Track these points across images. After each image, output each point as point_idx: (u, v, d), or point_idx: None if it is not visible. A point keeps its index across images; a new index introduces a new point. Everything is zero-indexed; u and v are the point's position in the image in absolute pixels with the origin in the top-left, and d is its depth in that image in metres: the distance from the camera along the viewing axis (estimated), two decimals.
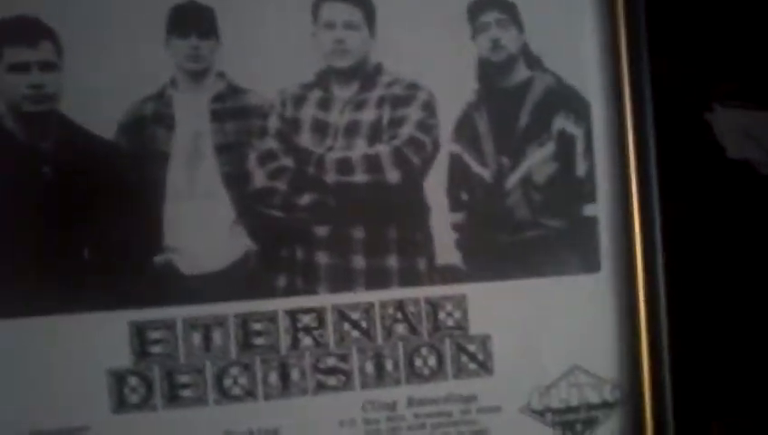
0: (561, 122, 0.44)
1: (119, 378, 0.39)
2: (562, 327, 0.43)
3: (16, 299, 0.38)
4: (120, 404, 0.39)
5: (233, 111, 0.41)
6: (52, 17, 0.39)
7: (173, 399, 0.40)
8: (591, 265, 0.43)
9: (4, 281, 0.38)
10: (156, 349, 0.40)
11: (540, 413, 0.42)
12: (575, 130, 0.44)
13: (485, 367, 0.42)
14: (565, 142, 0.43)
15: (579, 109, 0.44)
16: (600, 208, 0.43)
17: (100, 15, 0.39)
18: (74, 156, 0.40)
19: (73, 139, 0.40)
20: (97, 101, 0.40)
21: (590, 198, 0.43)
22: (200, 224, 0.40)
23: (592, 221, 0.43)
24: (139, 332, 0.40)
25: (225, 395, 0.40)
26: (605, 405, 0.43)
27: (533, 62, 0.43)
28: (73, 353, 0.39)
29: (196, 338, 0.40)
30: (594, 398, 0.43)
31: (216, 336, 0.40)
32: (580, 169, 0.43)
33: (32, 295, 0.39)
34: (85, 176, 0.40)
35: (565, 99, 0.43)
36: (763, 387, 0.48)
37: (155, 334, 0.40)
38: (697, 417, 0.45)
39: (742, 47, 0.50)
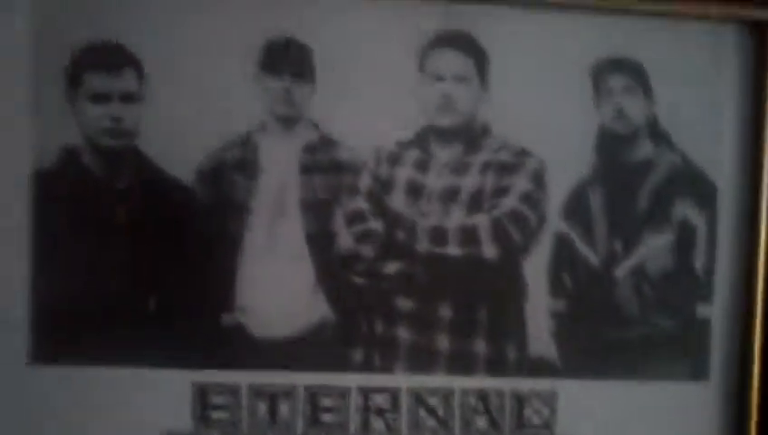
0: (684, 209, 0.39)
1: None
2: None
3: (76, 346, 0.36)
4: None
5: (323, 164, 0.37)
6: (137, 44, 0.36)
7: None
8: (700, 373, 0.39)
9: (66, 326, 0.35)
10: (218, 414, 0.37)
11: None
12: (698, 220, 0.39)
13: None
14: (686, 232, 0.39)
15: (705, 194, 0.39)
16: (716, 310, 0.39)
17: (187, 44, 0.36)
18: (148, 198, 0.36)
19: (149, 179, 0.36)
20: (177, 140, 0.36)
21: (707, 297, 0.39)
22: (277, 285, 0.37)
23: (706, 324, 0.39)
24: (202, 394, 0.37)
25: None
26: None
27: (660, 137, 0.39)
28: (132, 409, 0.36)
29: (262, 408, 0.37)
30: None
31: (283, 408, 0.37)
32: (699, 264, 0.39)
33: (93, 343, 0.36)
34: (158, 220, 0.36)
35: (691, 182, 0.39)
36: None
37: (218, 399, 0.37)
38: None
39: None
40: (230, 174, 0.37)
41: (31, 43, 0.36)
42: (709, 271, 0.39)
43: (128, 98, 0.36)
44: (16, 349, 0.36)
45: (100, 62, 0.36)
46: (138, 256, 0.37)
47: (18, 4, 0.35)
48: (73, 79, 0.36)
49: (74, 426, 0.36)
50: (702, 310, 0.39)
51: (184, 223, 0.37)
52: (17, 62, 0.35)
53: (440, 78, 0.38)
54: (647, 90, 0.39)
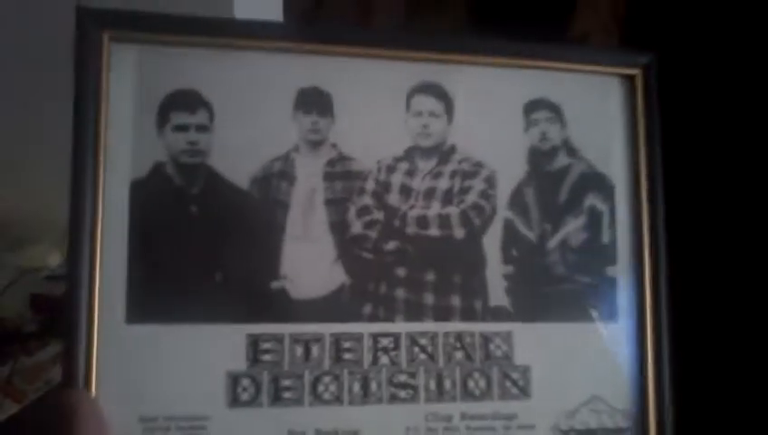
0: (592, 200, 0.51)
1: (235, 379, 0.45)
2: (587, 364, 0.49)
3: (161, 309, 0.45)
4: (234, 400, 0.45)
5: (341, 173, 0.48)
6: (209, 92, 0.47)
7: (277, 399, 0.45)
8: (611, 316, 0.50)
9: (154, 294, 0.45)
10: (266, 357, 0.46)
11: (565, 433, 0.49)
12: (602, 207, 0.51)
13: (525, 392, 0.48)
14: (594, 216, 0.51)
15: (606, 190, 0.51)
16: (620, 270, 0.51)
17: (244, 93, 0.47)
18: (216, 199, 0.46)
19: (217, 186, 0.46)
20: (237, 159, 0.47)
21: (612, 261, 0.51)
22: (309, 260, 0.47)
23: (613, 280, 0.51)
24: (254, 342, 0.46)
25: (318, 398, 0.46)
26: (618, 430, 0.49)
27: (572, 151, 0.51)
28: (201, 356, 0.45)
29: (299, 350, 0.46)
30: (609, 423, 0.49)
31: (315, 350, 0.46)
32: (605, 238, 0.51)
33: (173, 307, 0.45)
34: (223, 215, 0.46)
35: (595, 182, 0.51)
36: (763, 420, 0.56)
37: (266, 345, 0.46)
38: None
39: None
40: (275, 181, 0.48)
41: (134, 89, 0.46)
42: (613, 242, 0.51)
43: (201, 128, 0.47)
44: (118, 312, 0.44)
45: (182, 104, 0.47)
46: (207, 242, 0.46)
47: (125, 63, 0.47)
48: (162, 115, 0.46)
49: (158, 371, 0.44)
50: (610, 270, 0.51)
51: (242, 217, 0.47)
52: (124, 104, 0.46)
53: (420, 114, 0.50)
54: (562, 120, 0.52)
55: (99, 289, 0.44)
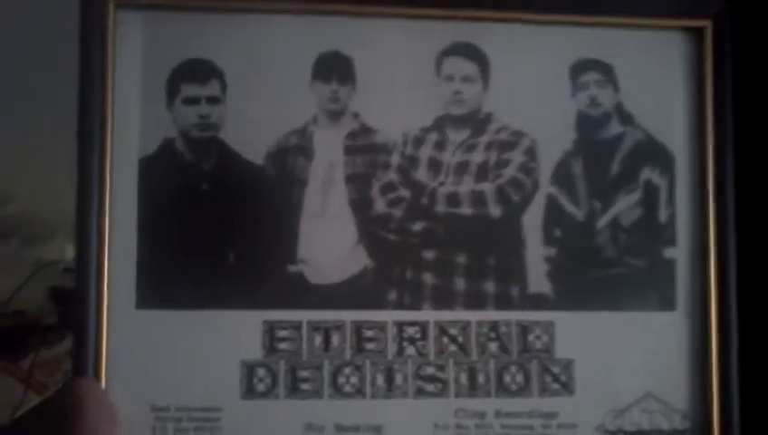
0: (648, 173, 0.45)
1: (250, 368, 0.43)
2: (639, 358, 0.44)
3: (172, 294, 0.42)
4: (249, 391, 0.42)
5: (363, 147, 0.44)
6: (221, 61, 0.44)
7: (294, 390, 0.43)
8: (668, 304, 0.45)
9: (165, 277, 0.42)
10: (283, 346, 0.43)
11: (613, 434, 0.44)
12: (660, 181, 0.45)
13: (567, 388, 0.44)
14: (651, 191, 0.45)
15: (664, 162, 0.45)
16: (679, 252, 0.45)
17: (258, 60, 0.44)
18: (229, 176, 0.43)
19: (229, 162, 0.43)
20: (251, 132, 0.44)
21: (671, 242, 0.45)
22: (328, 241, 0.44)
23: (671, 263, 0.45)
24: (270, 330, 0.43)
25: (338, 391, 0.43)
26: (674, 432, 0.44)
27: (626, 118, 0.46)
28: (214, 344, 0.42)
29: (318, 339, 0.43)
30: (665, 425, 0.44)
31: (335, 339, 0.43)
32: (663, 216, 0.45)
33: (185, 292, 0.42)
34: (237, 193, 0.43)
35: (652, 152, 0.45)
36: None
37: (283, 333, 0.43)
38: None
39: None
40: (291, 156, 0.44)
41: (141, 60, 0.43)
42: (672, 221, 0.45)
43: (213, 101, 0.44)
44: (128, 297, 0.42)
45: (192, 74, 0.44)
46: (220, 221, 0.43)
47: (133, 30, 0.44)
48: (171, 87, 0.43)
49: (170, 359, 0.42)
50: (668, 252, 0.45)
51: (257, 194, 0.44)
52: (131, 76, 0.43)
53: (451, 78, 0.45)
54: (614, 82, 0.46)
55: (108, 273, 0.42)
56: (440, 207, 0.44)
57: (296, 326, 0.43)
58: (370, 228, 0.44)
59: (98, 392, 0.40)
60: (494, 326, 0.44)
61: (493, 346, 0.44)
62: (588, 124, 0.45)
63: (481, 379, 0.44)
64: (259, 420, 0.42)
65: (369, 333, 0.43)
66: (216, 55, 0.44)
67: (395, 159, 0.44)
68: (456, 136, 0.45)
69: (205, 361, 0.42)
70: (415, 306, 0.44)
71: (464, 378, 0.44)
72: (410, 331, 0.44)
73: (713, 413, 0.43)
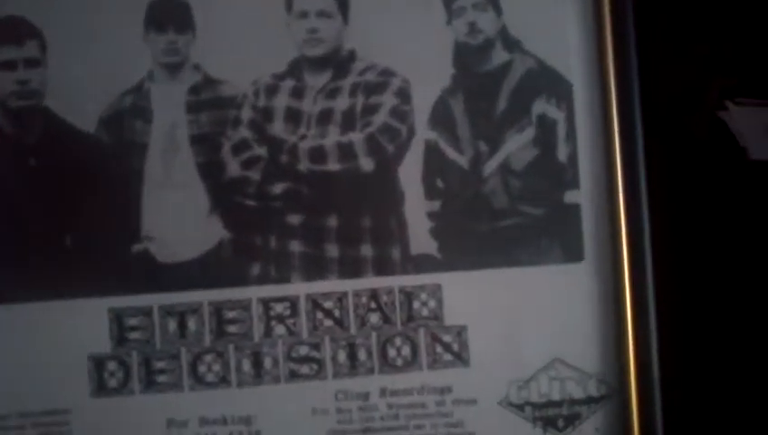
0: (542, 106, 0.39)
1: (98, 363, 0.38)
2: (543, 319, 0.38)
3: (4, 286, 0.38)
4: (100, 388, 0.38)
5: (207, 102, 0.39)
6: (37, 17, 0.38)
7: (150, 384, 0.38)
8: (574, 255, 0.39)
9: None
10: (134, 335, 0.38)
11: (519, 407, 0.38)
12: (557, 114, 0.39)
13: (461, 358, 0.39)
14: (546, 127, 0.39)
15: (561, 91, 0.39)
16: (584, 195, 0.39)
17: (81, 14, 0.39)
18: (58, 149, 0.39)
19: (58, 132, 0.38)
20: (79, 96, 0.39)
21: (573, 184, 0.39)
22: (176, 213, 0.39)
23: (575, 208, 0.39)
24: (118, 318, 0.38)
25: (199, 381, 0.38)
26: (589, 400, 0.38)
27: (512, 44, 0.39)
28: (56, 339, 0.38)
29: (172, 325, 0.38)
30: (577, 392, 0.38)
31: (191, 323, 0.38)
32: (562, 155, 0.39)
33: (16, 282, 0.38)
34: (69, 167, 0.38)
35: (546, 81, 0.39)
36: (754, 382, 0.44)
37: (132, 321, 0.38)
38: (687, 413, 0.42)
39: (739, 40, 0.46)
40: (127, 119, 0.39)
41: None
42: (573, 160, 0.39)
43: (32, 63, 0.38)
44: None
45: (6, 35, 0.38)
46: (53, 200, 0.38)
47: None
48: None
49: (6, 360, 0.38)
50: (570, 196, 0.39)
51: (91, 167, 0.39)
52: None
53: (304, 15, 0.39)
54: (495, 4, 0.39)
55: None
56: (303, 165, 0.39)
57: (146, 312, 0.38)
58: (224, 195, 0.39)
59: None
60: (373, 295, 0.39)
61: (373, 317, 0.39)
62: (468, 55, 0.39)
63: (362, 355, 0.38)
64: (113, 420, 0.38)
65: (230, 315, 0.38)
66: (32, 11, 0.39)
67: (246, 114, 0.39)
68: (316, 80, 0.39)
69: (46, 359, 0.38)
70: (282, 279, 0.39)
71: (342, 356, 0.38)
72: (278, 308, 0.39)
73: (629, 376, 0.38)
